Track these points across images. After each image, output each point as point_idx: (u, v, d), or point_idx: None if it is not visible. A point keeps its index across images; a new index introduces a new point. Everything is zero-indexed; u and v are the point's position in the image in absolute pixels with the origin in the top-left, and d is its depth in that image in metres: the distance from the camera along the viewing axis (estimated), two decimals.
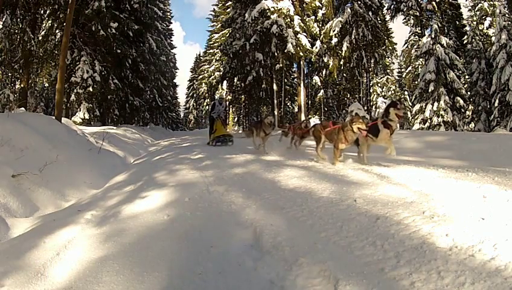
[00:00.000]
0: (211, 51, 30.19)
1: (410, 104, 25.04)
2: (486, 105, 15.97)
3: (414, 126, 15.90)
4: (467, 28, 17.50)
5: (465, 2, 18.26)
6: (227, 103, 22.88)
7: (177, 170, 3.87)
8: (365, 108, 14.36)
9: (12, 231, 2.47)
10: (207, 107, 34.72)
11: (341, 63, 14.76)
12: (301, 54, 13.79)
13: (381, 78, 27.51)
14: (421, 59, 16.86)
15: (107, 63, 13.09)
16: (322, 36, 14.93)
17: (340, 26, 14.27)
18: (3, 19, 11.66)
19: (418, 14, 16.00)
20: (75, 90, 12.70)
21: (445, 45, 14.69)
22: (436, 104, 14.74)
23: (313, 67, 17.64)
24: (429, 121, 14.84)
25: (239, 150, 5.45)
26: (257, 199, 2.38)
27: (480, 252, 1.32)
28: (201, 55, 37.14)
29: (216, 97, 11.40)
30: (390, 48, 17.19)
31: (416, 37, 18.14)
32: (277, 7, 13.47)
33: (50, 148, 4.08)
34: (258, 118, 21.48)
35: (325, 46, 14.84)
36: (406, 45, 22.81)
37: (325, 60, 15.03)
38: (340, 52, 14.47)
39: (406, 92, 27.95)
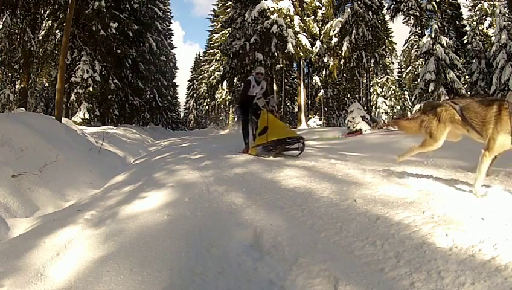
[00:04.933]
0: (211, 51, 30.19)
1: (410, 104, 25.05)
2: None
3: None
4: (467, 28, 17.50)
5: (465, 2, 18.27)
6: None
7: (177, 170, 3.87)
8: (365, 108, 14.36)
9: (12, 231, 2.47)
10: (207, 107, 34.69)
11: (341, 63, 14.77)
12: (301, 54, 13.79)
13: (381, 78, 27.49)
14: (421, 59, 16.86)
15: (107, 63, 13.11)
16: (322, 36, 14.94)
17: (340, 26, 14.28)
18: (3, 19, 11.67)
19: (418, 14, 16.00)
20: (75, 90, 12.71)
21: (445, 45, 14.68)
22: None
23: (313, 67, 17.65)
24: None
25: (239, 150, 5.44)
26: (257, 199, 2.38)
27: (480, 252, 1.32)
28: (201, 55, 37.16)
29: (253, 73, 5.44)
30: (390, 48, 17.20)
31: (416, 37, 18.13)
32: (277, 7, 13.47)
33: (50, 148, 4.08)
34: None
35: (325, 46, 14.85)
36: (406, 45, 22.80)
37: (325, 60, 15.04)
38: (340, 52, 14.48)
39: (406, 92, 27.95)
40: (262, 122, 4.62)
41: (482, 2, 17.43)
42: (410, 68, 22.76)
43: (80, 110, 13.24)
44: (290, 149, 4.47)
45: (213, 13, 30.07)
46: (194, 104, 38.75)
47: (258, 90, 5.06)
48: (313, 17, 15.14)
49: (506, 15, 14.44)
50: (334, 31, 14.38)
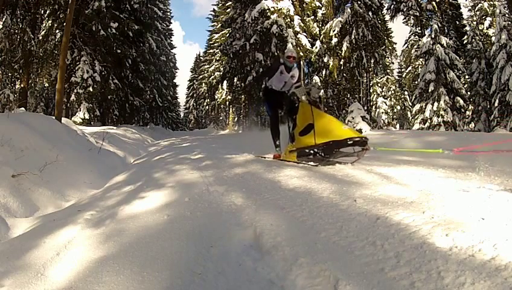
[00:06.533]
0: (211, 51, 30.23)
1: (410, 104, 25.06)
2: (486, 105, 15.99)
3: (414, 126, 15.91)
4: (467, 28, 17.51)
5: (465, 2, 18.30)
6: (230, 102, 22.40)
7: (177, 170, 3.87)
8: (365, 108, 14.36)
9: (12, 231, 2.47)
10: (207, 107, 34.68)
11: (341, 63, 14.78)
12: (301, 54, 13.79)
13: (381, 78, 27.51)
14: (421, 59, 16.89)
15: (107, 63, 13.11)
16: (322, 36, 14.94)
17: (340, 26, 14.28)
18: (3, 19, 11.67)
19: (418, 14, 16.02)
20: (75, 90, 12.73)
21: (445, 45, 14.70)
22: (436, 104, 14.76)
23: (313, 67, 17.64)
24: (429, 121, 14.86)
25: (239, 150, 5.44)
26: (257, 199, 2.38)
27: (480, 252, 1.31)
28: (201, 55, 37.21)
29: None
30: (390, 48, 17.20)
31: (416, 37, 18.15)
32: (277, 7, 13.48)
33: (50, 148, 4.08)
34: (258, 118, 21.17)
35: (325, 46, 14.85)
36: (406, 45, 22.85)
37: (325, 60, 15.04)
38: (340, 52, 14.48)
39: (406, 92, 27.96)
40: (303, 118, 3.60)
41: (482, 2, 17.44)
42: (410, 68, 22.81)
43: (80, 110, 13.25)
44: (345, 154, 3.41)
45: (213, 13, 30.14)
46: (194, 104, 38.78)
47: (288, 79, 4.02)
48: (313, 17, 15.14)
49: (506, 15, 14.45)
50: (334, 31, 14.38)
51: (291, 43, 13.27)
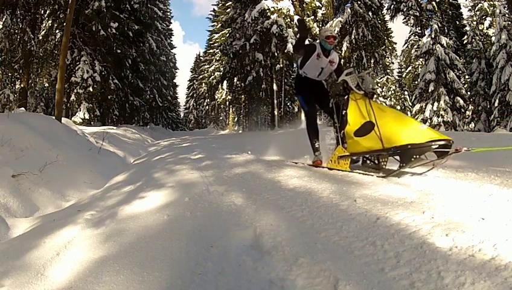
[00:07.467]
0: (211, 51, 30.24)
1: (410, 104, 25.06)
2: (486, 105, 15.99)
3: None
4: (467, 28, 17.53)
5: (465, 2, 18.33)
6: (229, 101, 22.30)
7: (177, 170, 3.87)
8: None
9: (12, 231, 2.47)
10: (207, 107, 34.66)
11: (341, 63, 14.81)
12: None
13: (381, 78, 27.51)
14: (421, 59, 16.89)
15: (107, 63, 13.12)
16: None
17: (340, 26, 14.31)
18: (3, 19, 11.68)
19: (418, 14, 16.03)
20: (75, 90, 12.73)
21: (445, 45, 14.71)
22: (436, 104, 14.76)
23: None
24: (429, 121, 14.87)
25: (239, 150, 5.44)
26: (257, 199, 2.38)
27: (480, 252, 1.31)
28: (201, 55, 37.23)
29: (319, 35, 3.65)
30: (390, 48, 17.21)
31: (416, 37, 18.17)
32: (277, 7, 13.50)
33: (50, 148, 4.08)
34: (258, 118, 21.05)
35: None
36: (406, 45, 22.87)
37: None
38: (340, 52, 14.50)
39: (406, 92, 27.96)
40: (357, 115, 2.85)
41: (482, 2, 17.45)
42: (410, 68, 22.81)
43: (80, 110, 13.26)
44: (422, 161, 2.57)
45: (213, 13, 30.14)
46: (194, 104, 38.79)
47: (326, 65, 3.32)
48: (313, 17, 15.15)
49: (506, 15, 14.46)
50: (334, 31, 14.41)
51: (291, 43, 13.28)
